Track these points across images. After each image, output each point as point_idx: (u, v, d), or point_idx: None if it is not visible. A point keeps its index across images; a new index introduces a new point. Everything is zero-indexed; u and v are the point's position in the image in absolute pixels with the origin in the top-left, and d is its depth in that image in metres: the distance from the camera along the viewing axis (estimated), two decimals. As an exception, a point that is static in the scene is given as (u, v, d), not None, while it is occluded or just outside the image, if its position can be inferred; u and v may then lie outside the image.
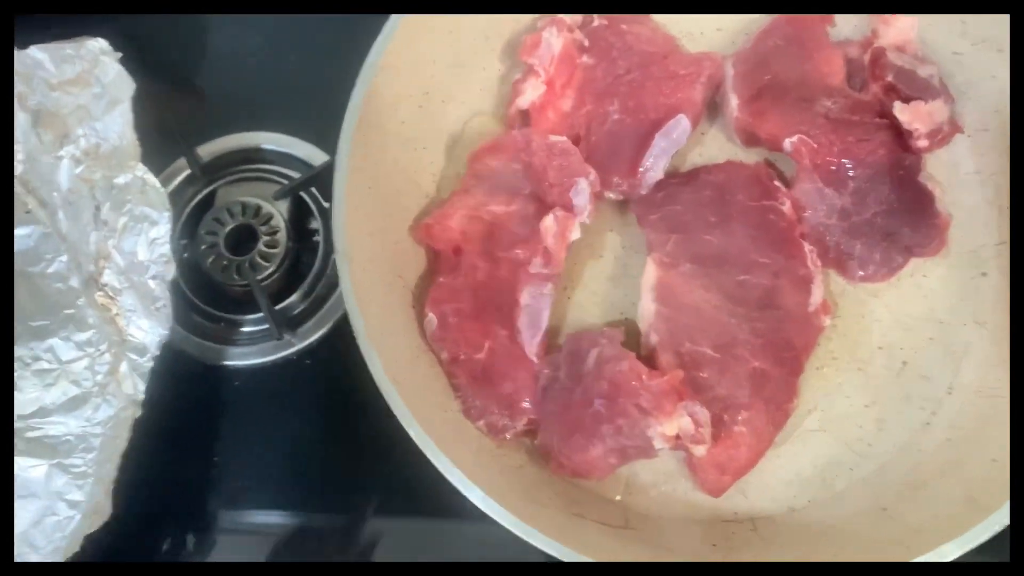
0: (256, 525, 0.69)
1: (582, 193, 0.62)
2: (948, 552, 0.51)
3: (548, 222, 0.61)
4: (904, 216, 0.64)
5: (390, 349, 0.57)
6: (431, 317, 0.62)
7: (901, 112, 0.63)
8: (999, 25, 0.62)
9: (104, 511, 0.61)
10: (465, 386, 0.62)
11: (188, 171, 0.76)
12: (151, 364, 0.64)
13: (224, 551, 0.68)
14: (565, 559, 0.51)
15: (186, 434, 0.71)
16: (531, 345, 0.61)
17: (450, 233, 0.64)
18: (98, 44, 0.67)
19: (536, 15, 0.70)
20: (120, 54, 0.67)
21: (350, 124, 0.59)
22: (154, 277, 0.65)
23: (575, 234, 0.62)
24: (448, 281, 0.64)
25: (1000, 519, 0.51)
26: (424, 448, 0.53)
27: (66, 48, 0.66)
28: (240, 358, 0.72)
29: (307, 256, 0.75)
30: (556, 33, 0.67)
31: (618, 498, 0.62)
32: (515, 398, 0.61)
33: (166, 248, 0.65)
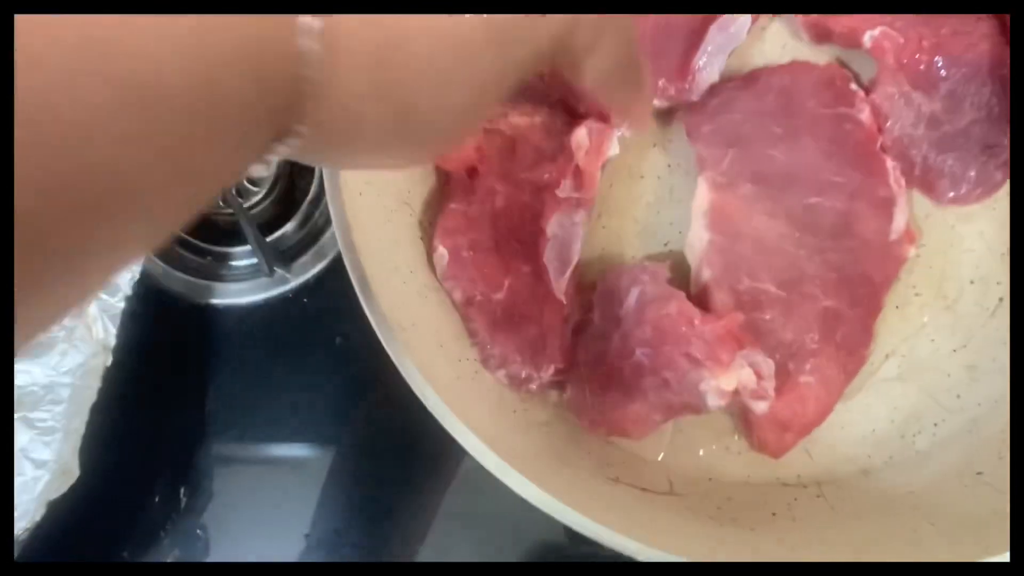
0: (253, 477, 0.64)
1: None
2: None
3: (580, 136, 0.51)
4: (1006, 124, 0.54)
5: (393, 291, 0.48)
6: (441, 251, 0.53)
7: (1009, -5, 0.52)
8: None
9: (71, 472, 0.55)
10: (482, 331, 0.53)
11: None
12: (123, 304, 0.58)
13: (217, 505, 0.63)
14: (596, 536, 0.43)
15: (171, 381, 0.65)
16: (559, 283, 0.52)
17: (464, 150, 0.54)
18: None
19: None
20: None
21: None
22: (121, 205, 0.57)
23: (613, 150, 0.52)
24: (461, 208, 0.54)
25: None
26: (433, 409, 0.44)
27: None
28: (230, 295, 0.65)
29: (302, 179, 0.66)
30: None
31: (660, 458, 0.53)
32: (540, 344, 0.52)
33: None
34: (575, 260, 0.52)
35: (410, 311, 0.49)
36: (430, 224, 0.55)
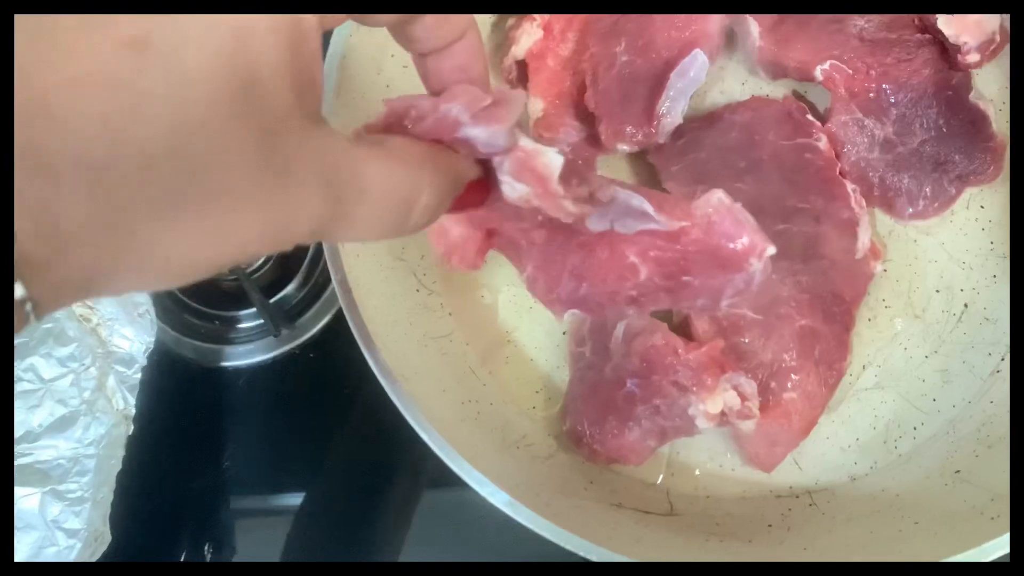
0: (273, 529, 0.66)
1: None
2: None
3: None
4: (955, 142, 0.57)
5: (395, 344, 0.51)
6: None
7: (946, 24, 0.55)
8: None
9: (104, 538, 0.57)
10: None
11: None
12: (139, 375, 0.60)
13: (242, 558, 0.66)
14: (601, 558, 0.46)
15: (188, 441, 0.67)
16: None
17: None
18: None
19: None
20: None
21: (328, 88, 0.52)
22: (132, 281, 0.60)
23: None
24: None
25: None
26: (439, 451, 0.47)
27: None
28: (239, 357, 0.68)
29: (301, 241, 0.69)
30: (550, -29, 0.60)
31: (660, 480, 0.56)
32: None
33: (141, 249, 0.60)
34: None
35: (412, 361, 0.52)
36: (425, 275, 0.59)
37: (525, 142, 0.34)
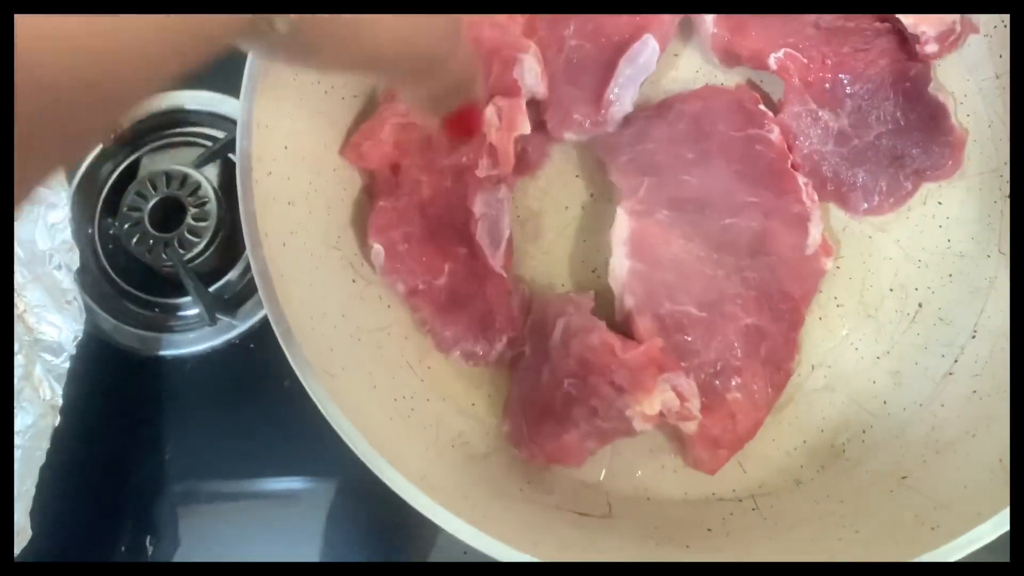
0: (215, 520, 0.65)
1: (529, 70, 0.54)
2: (983, 535, 0.43)
3: (489, 115, 0.52)
4: (913, 135, 0.56)
5: (322, 337, 0.49)
6: (377, 248, 0.55)
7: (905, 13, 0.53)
8: (1017, -101, 0.52)
9: (25, 532, 0.55)
10: (431, 318, 0.55)
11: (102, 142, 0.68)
12: (68, 364, 0.58)
13: (183, 551, 0.64)
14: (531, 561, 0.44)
15: (128, 433, 0.66)
16: (495, 257, 0.54)
17: (382, 147, 0.56)
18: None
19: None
20: None
21: (252, 71, 0.50)
22: (59, 267, 0.58)
23: (523, 127, 0.53)
24: (390, 204, 0.55)
25: (1042, 491, 0.43)
26: (357, 450, 0.45)
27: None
28: (179, 346, 0.66)
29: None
30: (497, -50, 0.57)
31: (600, 479, 0.55)
32: (489, 319, 0.54)
33: (67, 233, 0.58)
34: (507, 233, 0.54)
35: (340, 356, 0.50)
36: (363, 266, 0.57)
37: None
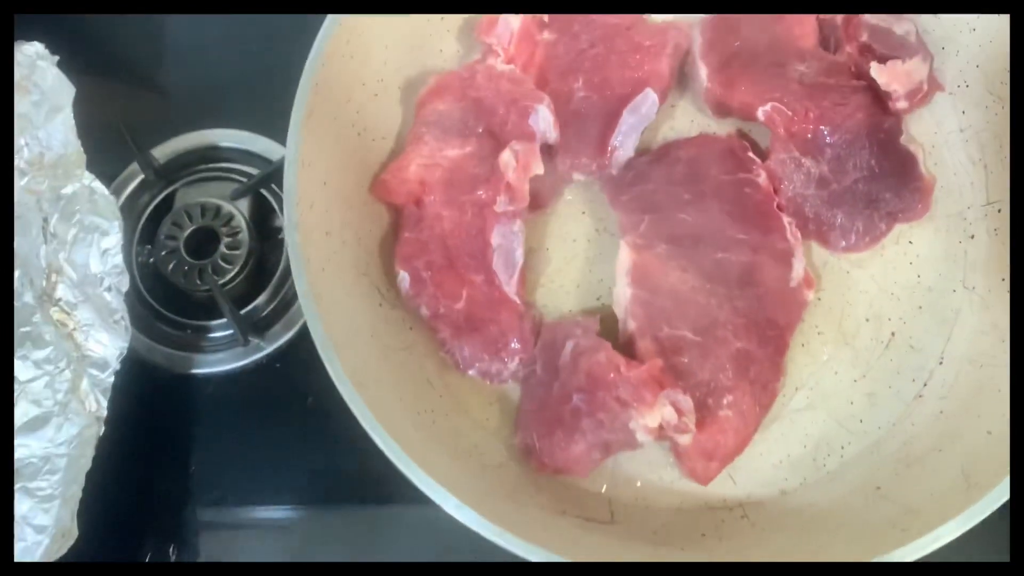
0: (238, 533, 0.68)
1: (543, 119, 0.61)
2: (946, 534, 0.48)
3: (507, 157, 0.59)
4: (886, 181, 0.62)
5: (356, 353, 0.55)
6: (403, 275, 0.61)
7: (878, 73, 0.60)
8: (976, -25, 0.60)
9: (71, 533, 0.59)
10: (450, 339, 0.60)
11: (143, 175, 0.73)
12: (112, 379, 0.62)
13: (206, 563, 0.67)
14: (545, 560, 0.49)
15: (157, 446, 0.69)
16: (509, 285, 0.60)
17: (408, 185, 0.62)
18: (34, 48, 0.64)
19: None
20: (57, 57, 0.64)
21: (298, 116, 0.56)
22: (109, 289, 0.63)
23: (537, 167, 0.60)
24: (414, 236, 0.61)
25: (998, 497, 0.49)
26: (391, 455, 0.50)
27: (-1, 54, 0.63)
28: (209, 365, 0.70)
29: (272, 256, 0.72)
30: (514, 10, 0.64)
31: (603, 490, 0.60)
32: (503, 340, 0.60)
33: (119, 258, 0.63)
34: (520, 263, 0.61)
35: (371, 370, 0.56)
36: (388, 291, 0.62)
37: None
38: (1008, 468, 0.49)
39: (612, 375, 0.54)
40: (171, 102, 0.78)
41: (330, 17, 0.59)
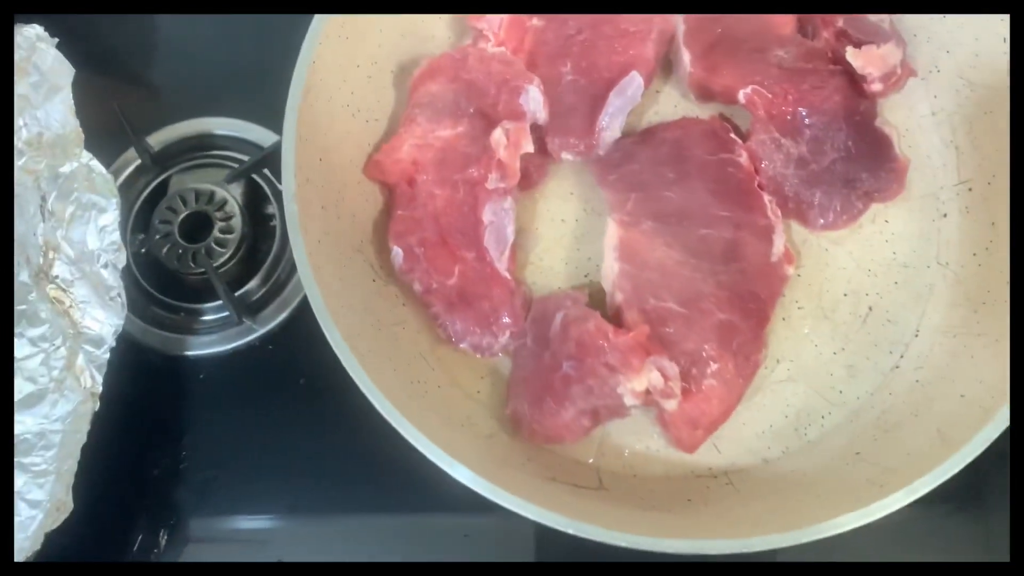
0: (229, 513, 0.68)
1: (534, 99, 0.63)
2: (920, 487, 0.50)
3: (498, 135, 0.61)
4: (862, 162, 0.64)
5: (351, 324, 0.56)
6: (396, 250, 0.62)
7: (854, 57, 0.63)
8: (946, -36, 0.63)
9: (66, 506, 0.60)
10: (443, 313, 0.62)
11: (138, 161, 0.75)
12: (107, 356, 0.63)
13: (197, 543, 0.67)
14: (542, 520, 0.50)
15: (150, 426, 0.70)
16: (500, 261, 0.62)
17: (401, 164, 0.64)
18: (34, 31, 0.65)
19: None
20: (56, 39, 0.65)
21: (296, 91, 0.58)
22: (105, 266, 0.64)
23: (527, 145, 0.62)
24: (407, 213, 0.63)
25: (972, 451, 0.51)
26: (392, 419, 0.52)
27: (-1, 36, 0.65)
28: (202, 347, 0.71)
29: (264, 240, 0.74)
30: (504, -4, 0.66)
31: (591, 461, 0.61)
32: (494, 315, 0.61)
33: (116, 235, 0.64)
34: (511, 239, 0.62)
35: (367, 342, 0.57)
36: (380, 267, 0.64)
37: None
38: (981, 425, 0.51)
39: (601, 341, 0.56)
40: (166, 91, 0.79)
41: (327, -2, 0.60)
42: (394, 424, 0.52)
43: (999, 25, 0.60)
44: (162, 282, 0.73)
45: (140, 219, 0.74)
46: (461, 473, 0.51)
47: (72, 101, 0.64)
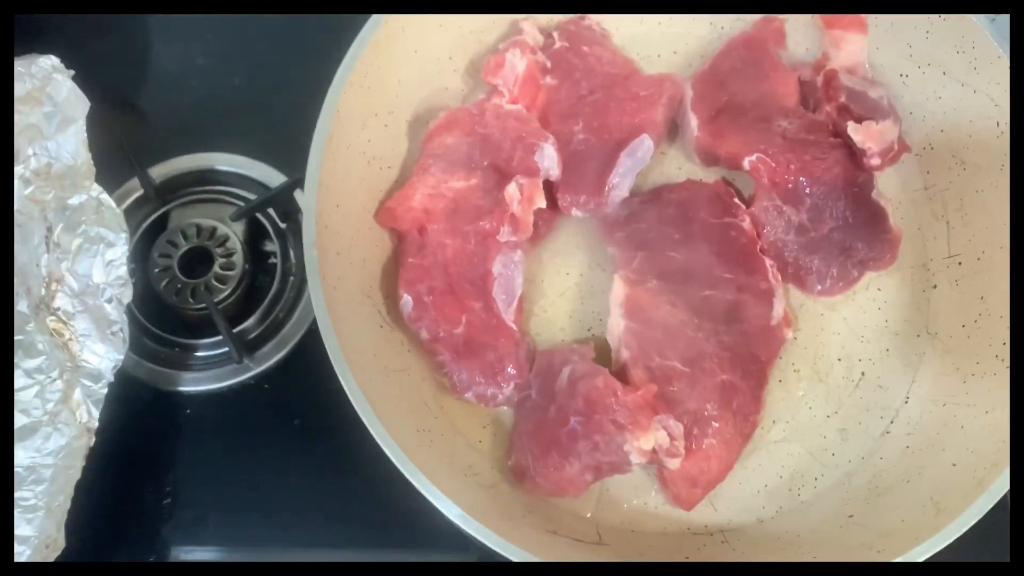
0: (213, 557, 0.67)
1: (548, 156, 0.64)
2: (918, 554, 0.52)
3: (512, 189, 0.62)
4: (859, 231, 0.67)
5: (363, 370, 0.56)
6: (406, 298, 0.63)
7: (855, 132, 0.65)
8: (943, 48, 0.65)
9: (57, 544, 0.59)
10: (449, 362, 0.63)
11: (140, 192, 0.74)
12: (105, 390, 0.62)
13: None
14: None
15: (140, 463, 0.69)
16: (508, 313, 0.63)
17: (413, 213, 0.64)
18: (50, 61, 0.65)
19: (501, 38, 0.72)
20: (73, 72, 0.65)
21: (320, 138, 0.58)
22: (110, 300, 0.63)
23: (539, 201, 0.63)
24: (417, 261, 0.64)
25: (966, 521, 0.53)
26: (403, 468, 0.52)
27: (16, 66, 0.64)
28: (195, 383, 0.70)
29: (263, 279, 0.73)
30: (519, 54, 0.68)
31: (589, 515, 0.62)
32: (499, 366, 0.62)
33: (123, 270, 0.64)
34: (519, 292, 0.63)
35: (376, 388, 0.57)
36: (388, 312, 0.64)
37: None
38: (974, 496, 0.53)
39: (609, 399, 0.57)
40: (170, 124, 0.79)
41: (352, 48, 0.61)
42: (405, 473, 0.52)
43: (992, 109, 0.63)
44: (157, 316, 0.72)
45: (139, 250, 0.73)
46: (471, 526, 0.51)
47: (85, 134, 0.64)
